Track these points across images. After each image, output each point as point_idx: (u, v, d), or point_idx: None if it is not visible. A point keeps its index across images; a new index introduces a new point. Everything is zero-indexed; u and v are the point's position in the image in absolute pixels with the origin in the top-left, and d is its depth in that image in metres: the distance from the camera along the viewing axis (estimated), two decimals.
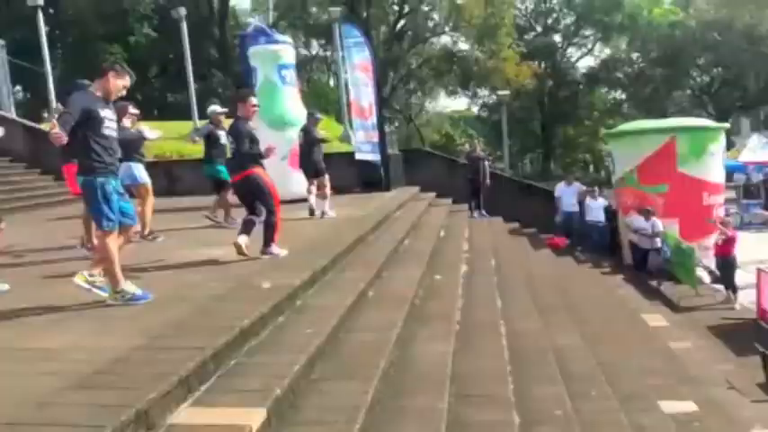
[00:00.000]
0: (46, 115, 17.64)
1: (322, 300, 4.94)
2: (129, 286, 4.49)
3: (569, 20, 43.52)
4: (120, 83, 4.56)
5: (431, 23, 39.38)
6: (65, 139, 4.13)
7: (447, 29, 39.20)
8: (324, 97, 35.31)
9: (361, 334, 4.51)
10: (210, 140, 8.71)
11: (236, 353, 3.65)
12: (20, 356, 3.43)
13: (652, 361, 6.77)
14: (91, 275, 4.49)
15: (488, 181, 13.75)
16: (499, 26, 35.70)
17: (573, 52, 44.84)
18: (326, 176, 9.43)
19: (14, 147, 14.21)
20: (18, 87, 29.22)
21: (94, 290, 4.46)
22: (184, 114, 16.97)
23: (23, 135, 14.65)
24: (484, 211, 13.63)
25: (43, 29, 17.44)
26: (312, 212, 9.06)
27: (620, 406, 4.86)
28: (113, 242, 4.43)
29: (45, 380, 3.00)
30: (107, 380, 2.98)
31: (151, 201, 7.53)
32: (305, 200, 9.20)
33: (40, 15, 17.41)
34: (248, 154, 6.06)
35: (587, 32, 43.47)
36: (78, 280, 4.45)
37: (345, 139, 15.49)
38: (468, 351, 4.89)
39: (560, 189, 14.52)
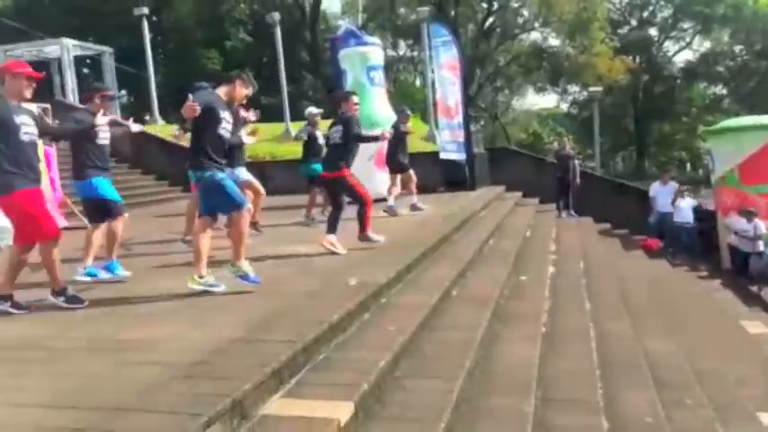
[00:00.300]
0: (148, 118, 18.67)
1: (406, 298, 5.00)
2: (246, 266, 4.82)
3: (666, 12, 41.57)
4: (244, 91, 4.95)
5: (520, 20, 38.71)
6: (198, 110, 4.45)
7: (537, 25, 38.36)
8: (410, 97, 35.37)
9: (445, 333, 4.53)
10: (309, 141, 9.06)
11: (325, 347, 3.76)
12: (122, 347, 3.65)
13: (751, 370, 6.39)
14: (200, 277, 4.73)
15: (578, 180, 13.39)
16: (591, 21, 34.59)
17: (670, 46, 42.86)
18: (411, 171, 9.80)
19: (120, 148, 15.14)
20: (123, 92, 31.06)
21: (208, 289, 4.71)
22: (277, 116, 17.50)
23: (128, 137, 15.57)
24: (573, 211, 13.29)
25: (147, 36, 18.50)
26: (395, 213, 9.23)
27: (715, 415, 4.64)
28: (246, 222, 4.83)
29: (146, 369, 3.19)
30: (205, 370, 3.15)
31: (262, 197, 7.93)
32: (384, 199, 9.35)
33: (145, 23, 18.48)
34: (357, 137, 6.57)
35: (686, 25, 41.40)
36: (191, 284, 4.71)
37: (431, 138, 15.50)
38: (555, 353, 4.82)
39: (655, 189, 13.94)
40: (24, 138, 4.42)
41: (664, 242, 13.04)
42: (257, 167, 13.77)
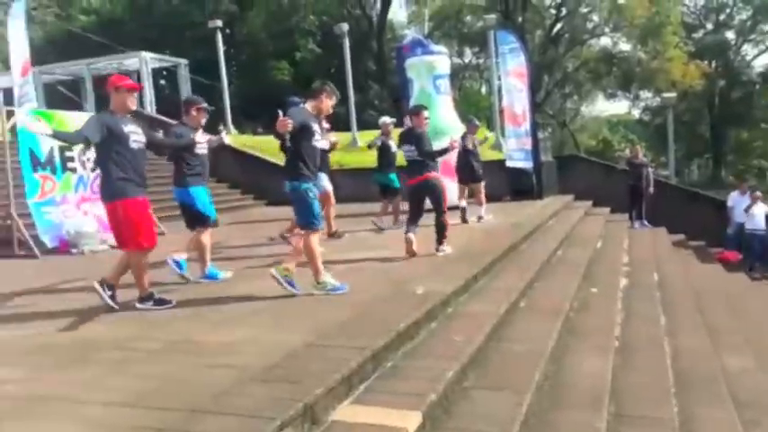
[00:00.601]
0: (222, 128, 19.27)
1: (474, 307, 4.99)
2: (328, 278, 5.07)
3: (745, 15, 39.84)
4: (330, 103, 5.21)
5: (589, 25, 37.89)
6: (290, 126, 4.72)
7: (607, 30, 37.48)
8: (475, 105, 35.22)
9: (513, 344, 4.49)
10: (383, 150, 9.20)
11: (393, 355, 3.80)
12: (199, 349, 3.79)
13: None
14: (286, 270, 5.00)
15: (651, 188, 12.97)
16: (664, 25, 33.49)
17: (748, 50, 41.05)
18: (482, 183, 9.90)
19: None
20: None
21: (284, 284, 4.96)
22: (344, 126, 17.74)
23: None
24: (646, 221, 12.87)
25: (221, 48, 19.14)
26: (465, 220, 9.37)
27: None
28: (316, 239, 5.08)
29: (222, 372, 3.31)
30: (278, 374, 3.23)
31: (333, 205, 8.27)
32: (456, 207, 9.33)
33: (219, 36, 19.13)
34: (429, 155, 6.83)
35: (766, 27, 39.51)
36: (275, 271, 5.00)
37: (497, 146, 15.37)
38: (628, 368, 4.69)
39: (733, 198, 13.36)
40: (134, 146, 4.75)
41: (742, 254, 12.47)
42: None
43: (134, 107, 4.90)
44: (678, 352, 5.32)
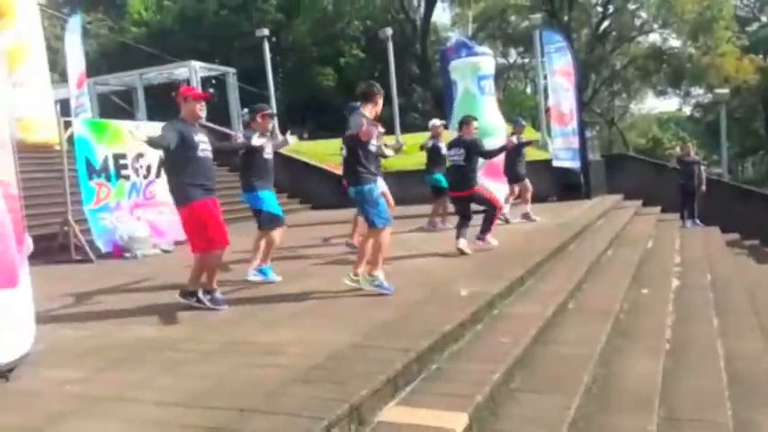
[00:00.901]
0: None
1: (520, 309, 4.95)
2: (381, 275, 5.17)
3: None
4: (380, 104, 5.39)
5: (637, 21, 37.08)
6: (374, 133, 5.10)
7: (656, 26, 36.60)
8: (519, 105, 34.88)
9: (561, 347, 4.43)
10: (432, 152, 9.24)
11: (438, 357, 3.80)
12: (251, 350, 3.87)
13: None
14: (369, 275, 5.19)
15: (704, 187, 12.60)
16: (716, 19, 32.49)
17: None
18: (527, 181, 9.96)
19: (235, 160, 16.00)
20: (245, 110, 32.74)
21: (373, 288, 5.13)
22: (388, 128, 17.81)
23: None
24: (698, 221, 12.52)
25: (268, 56, 19.45)
26: (507, 220, 9.41)
27: None
28: (387, 236, 5.23)
29: (270, 372, 3.38)
30: (324, 374, 3.28)
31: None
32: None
33: (266, 45, 19.45)
34: (487, 154, 7.53)
35: None
36: (361, 282, 5.21)
37: (542, 146, 15.18)
38: (680, 371, 4.58)
39: None
40: (201, 154, 4.96)
41: None
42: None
43: (203, 115, 5.10)
44: (732, 354, 5.16)
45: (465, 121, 7.48)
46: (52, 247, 8.84)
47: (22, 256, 4.05)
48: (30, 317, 4.06)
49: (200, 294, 5.03)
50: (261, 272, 6.04)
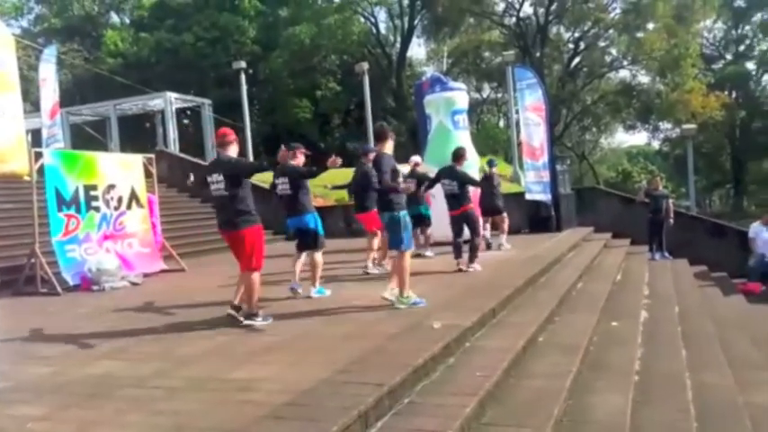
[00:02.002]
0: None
1: (491, 342, 4.97)
2: (411, 293, 5.86)
3: (765, 45, 39.81)
4: None
5: (608, 58, 38.07)
6: (413, 188, 6.29)
7: (625, 63, 37.60)
8: (493, 138, 35.40)
9: (532, 380, 4.46)
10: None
11: (409, 391, 3.80)
12: (221, 387, 3.82)
13: None
14: (401, 294, 5.84)
15: (671, 220, 12.87)
16: (683, 57, 33.47)
17: None
18: (504, 214, 10.68)
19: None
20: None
21: (410, 304, 5.79)
22: None
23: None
24: (666, 253, 12.74)
25: (245, 88, 19.56)
26: (488, 246, 10.18)
27: None
28: (408, 259, 5.92)
29: (243, 408, 3.36)
30: (297, 411, 3.26)
31: None
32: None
33: (243, 77, 19.57)
34: (473, 183, 8.72)
35: None
36: (393, 299, 5.86)
37: (515, 179, 15.39)
38: (648, 404, 4.62)
39: (755, 229, 13.15)
40: (214, 194, 5.60)
41: (766, 286, 12.23)
42: (342, 210, 14.19)
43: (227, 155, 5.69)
44: (700, 387, 5.22)
45: (460, 154, 8.45)
46: (18, 279, 8.66)
47: None
48: None
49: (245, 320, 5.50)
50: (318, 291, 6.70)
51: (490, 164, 11.09)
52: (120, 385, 3.95)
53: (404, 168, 9.68)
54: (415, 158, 10.23)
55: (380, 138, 6.22)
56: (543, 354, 5.09)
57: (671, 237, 12.89)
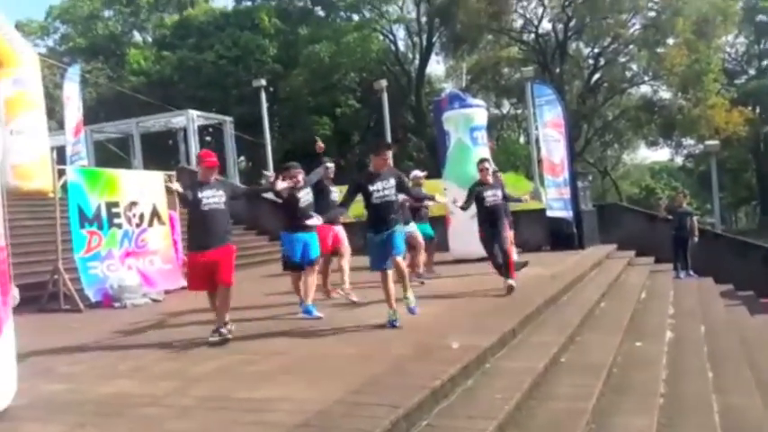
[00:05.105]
0: (263, 182, 19.67)
1: (512, 363, 4.88)
2: (389, 311, 5.79)
3: None
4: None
5: (628, 74, 37.80)
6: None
7: (646, 78, 37.31)
8: (513, 154, 35.25)
9: (554, 402, 4.36)
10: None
11: (427, 414, 3.72)
12: (234, 407, 3.79)
13: None
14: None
15: (696, 237, 12.64)
16: (705, 72, 33.13)
17: None
18: (511, 232, 9.51)
19: (236, 209, 15.97)
20: (242, 158, 33.02)
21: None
22: None
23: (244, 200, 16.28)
24: (692, 271, 12.51)
25: (265, 106, 19.73)
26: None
27: None
28: (384, 278, 5.86)
29: (255, 429, 3.33)
30: None
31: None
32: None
33: (263, 94, 19.75)
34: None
35: None
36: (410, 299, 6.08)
37: (536, 196, 15.27)
38: (674, 427, 4.50)
39: None
40: (205, 209, 5.67)
41: None
42: (358, 226, 14.12)
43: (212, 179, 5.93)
44: (727, 410, 5.08)
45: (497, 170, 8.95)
46: (42, 296, 8.74)
47: (6, 308, 4.00)
48: (12, 370, 3.99)
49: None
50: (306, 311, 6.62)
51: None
52: (133, 404, 3.93)
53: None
54: (417, 173, 9.97)
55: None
56: (565, 375, 4.98)
57: (696, 254, 12.65)
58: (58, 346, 5.95)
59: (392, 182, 5.91)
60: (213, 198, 5.65)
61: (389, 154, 6.07)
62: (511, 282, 7.45)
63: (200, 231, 5.65)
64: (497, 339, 5.15)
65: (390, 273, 5.88)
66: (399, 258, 5.95)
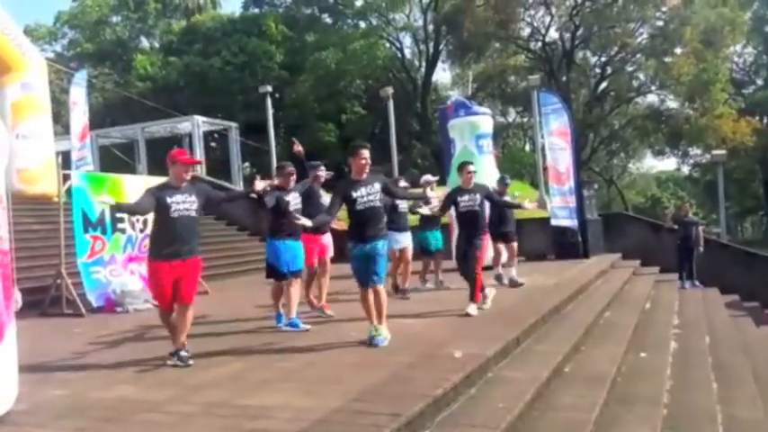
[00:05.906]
0: (268, 188, 19.65)
1: (515, 373, 4.85)
2: (378, 327, 5.46)
3: None
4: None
5: (635, 83, 37.73)
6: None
7: (653, 87, 37.23)
8: (518, 162, 35.22)
9: (557, 412, 4.32)
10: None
11: (429, 423, 3.69)
12: (234, 413, 3.77)
13: None
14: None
15: (701, 247, 12.58)
16: (712, 82, 33.02)
17: None
18: (515, 243, 9.45)
19: (240, 216, 16.01)
20: (246, 163, 33.05)
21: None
22: None
23: (248, 206, 16.25)
24: (697, 282, 12.44)
25: (270, 112, 19.77)
26: (500, 280, 9.01)
27: None
28: (364, 295, 5.54)
29: None
30: None
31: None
32: (490, 267, 9.10)
33: (269, 100, 19.80)
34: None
35: None
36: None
37: (541, 204, 15.23)
38: None
39: None
40: (174, 215, 5.17)
41: None
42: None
43: (188, 178, 5.40)
44: (732, 421, 5.03)
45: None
46: (44, 300, 8.74)
47: (8, 312, 4.00)
48: (13, 374, 3.98)
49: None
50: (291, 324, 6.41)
51: (499, 182, 9.77)
52: (135, 410, 3.91)
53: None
54: (428, 177, 9.19)
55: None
56: (569, 385, 4.94)
57: (701, 264, 12.59)
58: (60, 350, 5.94)
59: (377, 187, 5.54)
60: (184, 204, 5.15)
61: (366, 153, 5.65)
62: (470, 309, 6.69)
63: (167, 239, 5.11)
64: (501, 348, 5.12)
65: (371, 292, 5.51)
66: (380, 287, 5.53)
